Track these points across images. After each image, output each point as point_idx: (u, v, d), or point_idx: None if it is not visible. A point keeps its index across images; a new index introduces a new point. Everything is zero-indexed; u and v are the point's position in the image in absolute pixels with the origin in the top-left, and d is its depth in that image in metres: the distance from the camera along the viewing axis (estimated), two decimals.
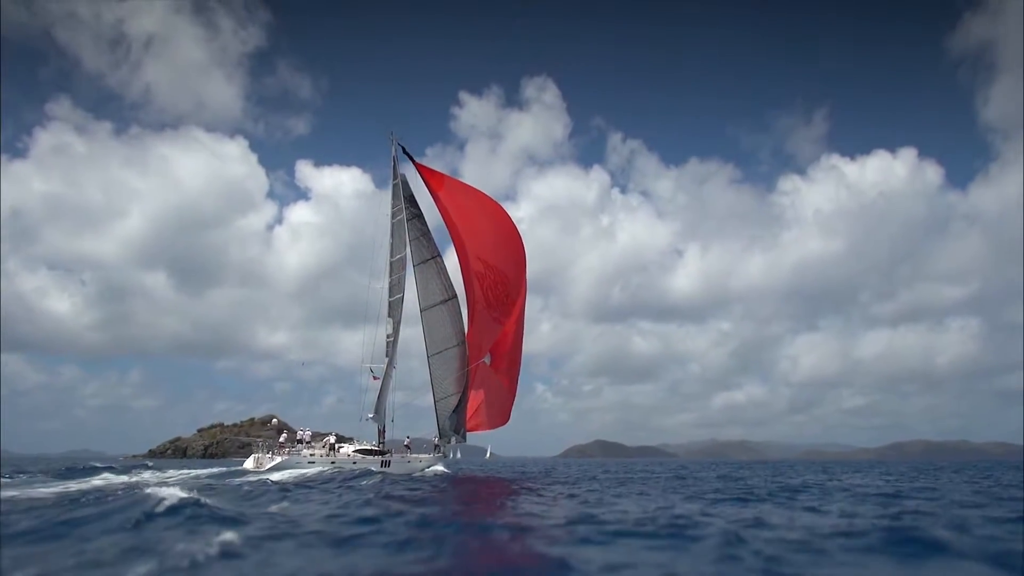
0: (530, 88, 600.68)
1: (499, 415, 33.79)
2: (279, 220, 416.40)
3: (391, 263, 34.40)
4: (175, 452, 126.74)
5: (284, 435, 32.46)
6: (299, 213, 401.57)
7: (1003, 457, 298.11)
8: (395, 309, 34.06)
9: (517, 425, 36.13)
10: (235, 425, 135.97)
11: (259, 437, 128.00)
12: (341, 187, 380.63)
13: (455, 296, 33.82)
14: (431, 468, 32.10)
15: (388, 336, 33.70)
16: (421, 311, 33.68)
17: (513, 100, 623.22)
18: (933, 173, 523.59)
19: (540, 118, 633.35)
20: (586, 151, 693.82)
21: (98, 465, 27.85)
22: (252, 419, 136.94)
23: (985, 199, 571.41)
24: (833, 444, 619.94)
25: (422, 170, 34.62)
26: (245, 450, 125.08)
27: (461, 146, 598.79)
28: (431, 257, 34.20)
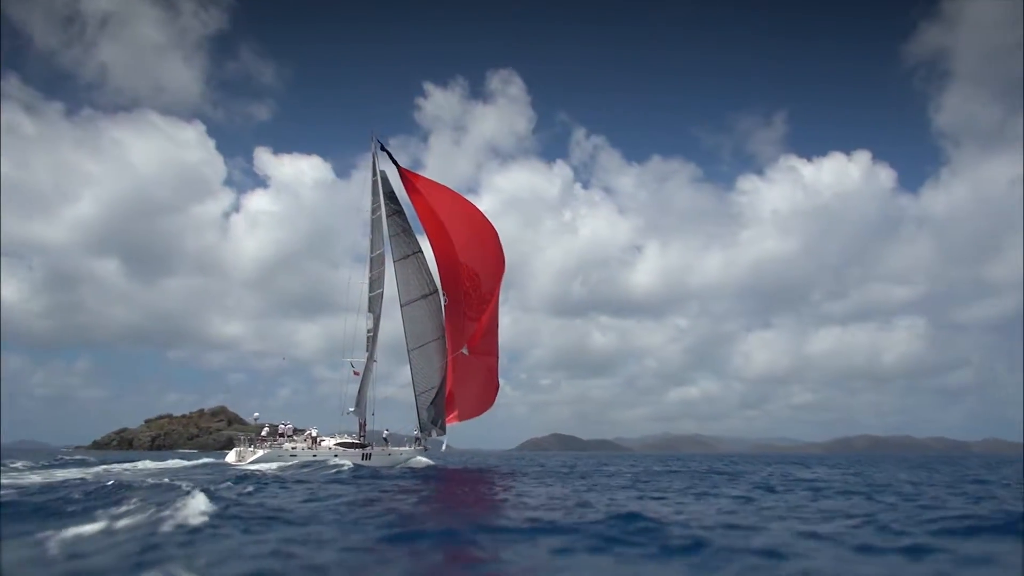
0: (495, 81, 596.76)
1: (480, 404, 34.48)
2: (236, 208, 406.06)
3: (371, 259, 34.59)
4: (120, 444, 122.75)
5: (266, 429, 32.56)
6: (257, 201, 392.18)
7: (943, 451, 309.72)
8: (375, 304, 34.29)
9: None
10: (184, 416, 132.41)
11: (209, 428, 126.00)
12: (301, 176, 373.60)
13: (436, 291, 34.11)
14: (412, 460, 32.52)
15: (368, 331, 33.90)
16: (401, 306, 33.86)
17: (478, 92, 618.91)
18: (886, 176, 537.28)
19: (504, 111, 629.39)
20: (549, 146, 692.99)
21: (17, 466, 23.78)
22: (202, 410, 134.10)
23: (935, 203, 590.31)
24: (783, 438, 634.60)
25: (401, 169, 34.93)
26: (194, 441, 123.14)
27: (425, 137, 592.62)
28: (412, 253, 34.39)
